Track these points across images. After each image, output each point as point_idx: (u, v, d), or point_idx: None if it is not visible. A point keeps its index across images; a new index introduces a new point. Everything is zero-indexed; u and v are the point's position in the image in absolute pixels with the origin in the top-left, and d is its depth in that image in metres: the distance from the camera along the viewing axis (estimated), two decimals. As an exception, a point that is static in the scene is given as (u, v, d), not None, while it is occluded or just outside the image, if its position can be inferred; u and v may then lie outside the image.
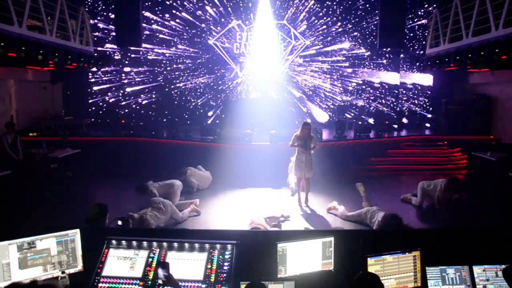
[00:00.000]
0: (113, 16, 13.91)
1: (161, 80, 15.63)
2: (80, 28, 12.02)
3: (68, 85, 15.23)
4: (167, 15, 15.25)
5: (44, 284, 1.59)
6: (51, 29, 10.21)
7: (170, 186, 7.76)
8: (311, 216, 7.36)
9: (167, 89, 15.69)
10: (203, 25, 15.37)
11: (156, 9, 15.17)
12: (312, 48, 15.57)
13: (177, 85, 15.68)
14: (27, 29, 9.10)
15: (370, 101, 15.73)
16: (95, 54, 13.14)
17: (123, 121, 14.76)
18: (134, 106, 15.60)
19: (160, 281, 2.74)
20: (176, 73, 15.65)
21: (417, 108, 15.63)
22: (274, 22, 15.35)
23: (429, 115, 15.37)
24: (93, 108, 15.46)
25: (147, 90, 15.62)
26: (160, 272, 2.69)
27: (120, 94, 15.58)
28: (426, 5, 14.80)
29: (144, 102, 15.67)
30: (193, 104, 15.75)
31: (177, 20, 15.29)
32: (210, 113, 15.62)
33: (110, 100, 15.55)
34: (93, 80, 15.34)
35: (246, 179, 9.51)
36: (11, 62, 10.50)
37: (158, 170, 9.77)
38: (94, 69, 13.76)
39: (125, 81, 15.54)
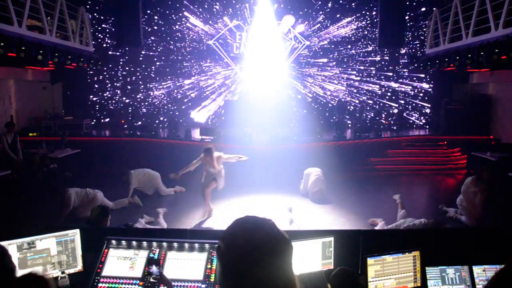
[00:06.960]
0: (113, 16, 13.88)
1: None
2: (80, 28, 12.01)
3: (68, 85, 15.20)
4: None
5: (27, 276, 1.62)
6: (51, 29, 10.20)
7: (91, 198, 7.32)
8: (311, 216, 7.36)
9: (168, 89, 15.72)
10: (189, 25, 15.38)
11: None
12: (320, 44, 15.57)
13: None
14: (27, 29, 9.09)
15: (370, 101, 15.71)
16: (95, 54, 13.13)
17: (123, 121, 14.76)
18: (133, 106, 15.60)
19: (151, 279, 2.80)
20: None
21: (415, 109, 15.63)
22: (276, 22, 15.28)
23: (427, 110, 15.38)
24: (94, 106, 15.43)
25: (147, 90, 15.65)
26: (154, 269, 2.74)
27: (120, 95, 15.58)
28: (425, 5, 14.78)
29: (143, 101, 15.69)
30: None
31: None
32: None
33: (111, 100, 15.55)
34: (95, 79, 15.29)
35: (246, 179, 9.50)
36: (11, 62, 10.50)
37: (158, 170, 9.72)
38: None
39: (124, 81, 15.56)
